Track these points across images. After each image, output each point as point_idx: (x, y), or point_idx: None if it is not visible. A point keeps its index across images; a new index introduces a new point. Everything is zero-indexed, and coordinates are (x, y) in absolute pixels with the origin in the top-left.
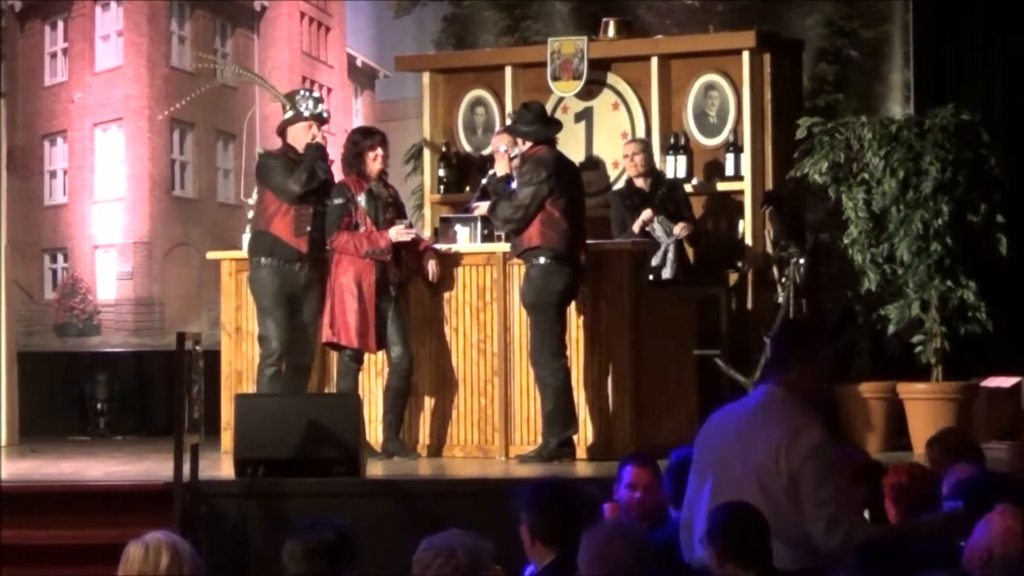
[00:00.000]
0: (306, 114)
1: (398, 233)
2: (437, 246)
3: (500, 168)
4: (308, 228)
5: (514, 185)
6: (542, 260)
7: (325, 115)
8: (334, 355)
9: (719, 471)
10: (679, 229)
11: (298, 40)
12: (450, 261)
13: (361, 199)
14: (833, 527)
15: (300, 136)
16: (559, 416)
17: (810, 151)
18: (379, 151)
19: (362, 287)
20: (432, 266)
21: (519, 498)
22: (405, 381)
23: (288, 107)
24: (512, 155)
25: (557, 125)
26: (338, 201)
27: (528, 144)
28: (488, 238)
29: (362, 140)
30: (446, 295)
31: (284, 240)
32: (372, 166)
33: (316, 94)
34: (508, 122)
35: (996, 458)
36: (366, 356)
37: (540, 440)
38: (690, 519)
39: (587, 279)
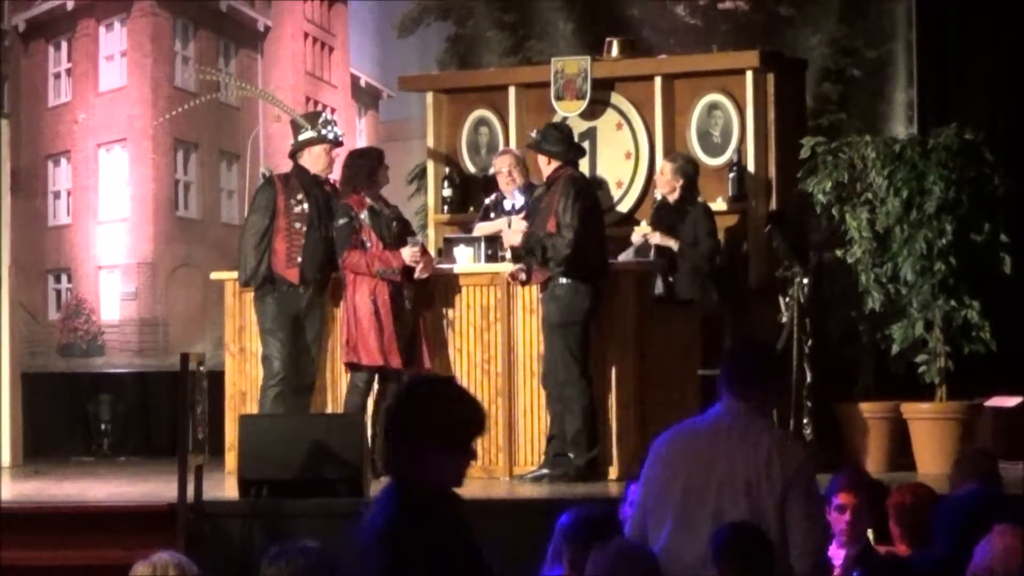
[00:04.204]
0: (330, 137)
1: (412, 256)
2: (441, 266)
3: (506, 190)
4: (299, 259)
5: (508, 205)
6: (569, 279)
7: (342, 140)
8: (338, 376)
9: (693, 489)
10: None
11: (302, 60)
12: (454, 282)
13: (364, 216)
14: (812, 542)
15: (320, 158)
16: (587, 434)
17: (814, 171)
18: (384, 166)
19: (377, 304)
20: (421, 267)
21: (564, 529)
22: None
23: (307, 128)
24: (517, 182)
25: (583, 150)
26: (343, 221)
27: (555, 165)
28: (492, 258)
29: (374, 159)
30: (450, 316)
31: (278, 271)
32: (384, 182)
33: (334, 118)
34: (539, 142)
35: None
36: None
37: (543, 458)
38: (642, 529)
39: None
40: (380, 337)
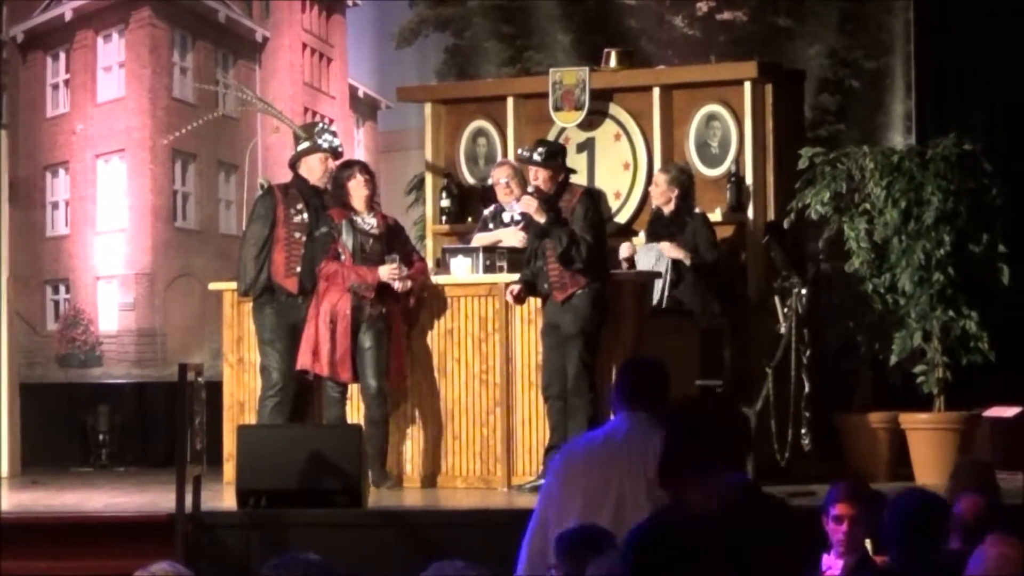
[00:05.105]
0: (325, 146)
1: (389, 273)
2: (437, 278)
3: (526, 204)
4: (297, 269)
5: (506, 216)
6: (587, 290)
7: (340, 150)
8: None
9: (595, 495)
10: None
11: (300, 71)
12: (452, 292)
13: (342, 229)
14: None
15: (316, 168)
16: None
17: (812, 181)
18: (359, 177)
19: (336, 316)
20: (411, 301)
21: (560, 542)
22: (376, 411)
23: (304, 138)
24: (530, 190)
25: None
26: (323, 230)
27: (561, 177)
28: (490, 269)
29: (342, 172)
30: (448, 326)
31: (277, 281)
32: (357, 193)
33: (333, 128)
34: (533, 156)
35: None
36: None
37: (541, 469)
38: (543, 542)
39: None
40: (332, 350)
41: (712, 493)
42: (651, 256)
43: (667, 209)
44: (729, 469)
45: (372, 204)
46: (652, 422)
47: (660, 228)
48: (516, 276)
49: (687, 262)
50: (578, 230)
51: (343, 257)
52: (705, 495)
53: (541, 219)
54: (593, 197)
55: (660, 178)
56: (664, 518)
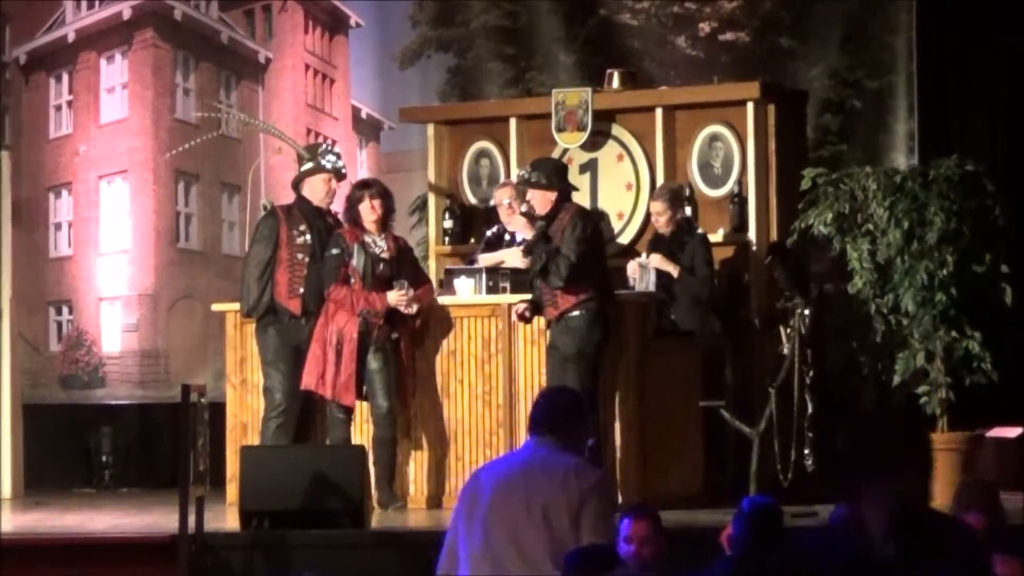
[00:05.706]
0: (328, 167)
1: (397, 299)
2: (440, 298)
3: (515, 224)
4: (300, 290)
5: (513, 238)
6: (584, 311)
7: (344, 171)
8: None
9: (494, 517)
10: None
11: (303, 92)
12: (455, 313)
13: (354, 251)
14: None
15: (318, 188)
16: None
17: (815, 202)
18: (368, 201)
19: (343, 339)
20: (417, 323)
21: (565, 563)
22: (386, 431)
23: (308, 159)
24: (523, 210)
25: (574, 186)
26: (335, 252)
27: (552, 196)
28: (493, 290)
29: (355, 191)
30: (451, 347)
31: (280, 302)
32: (367, 216)
33: (336, 149)
34: (528, 177)
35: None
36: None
37: None
38: (451, 567)
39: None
40: (336, 373)
41: (885, 504)
42: (633, 270)
43: (667, 231)
44: (906, 484)
45: (384, 225)
46: (556, 448)
47: (661, 248)
48: (519, 297)
49: (674, 274)
50: (563, 248)
51: (352, 281)
52: (879, 506)
53: (528, 235)
54: (585, 216)
55: (654, 207)
56: (838, 529)
